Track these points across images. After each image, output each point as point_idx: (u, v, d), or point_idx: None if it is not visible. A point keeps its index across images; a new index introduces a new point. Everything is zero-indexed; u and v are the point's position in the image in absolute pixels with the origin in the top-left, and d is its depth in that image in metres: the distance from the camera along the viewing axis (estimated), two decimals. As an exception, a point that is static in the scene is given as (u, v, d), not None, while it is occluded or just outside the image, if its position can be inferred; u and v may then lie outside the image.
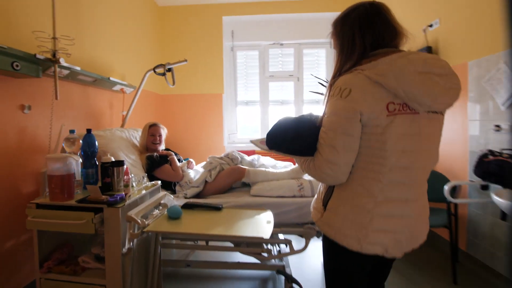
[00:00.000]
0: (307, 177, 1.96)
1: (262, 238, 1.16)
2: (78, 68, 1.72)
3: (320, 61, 3.78)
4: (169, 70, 2.10)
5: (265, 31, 3.60)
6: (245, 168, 1.89)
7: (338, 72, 0.87)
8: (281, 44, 3.69)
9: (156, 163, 1.92)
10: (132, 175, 1.40)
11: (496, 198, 1.35)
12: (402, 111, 0.76)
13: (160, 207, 1.43)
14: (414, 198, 0.81)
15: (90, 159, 1.35)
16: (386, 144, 0.76)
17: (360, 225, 0.79)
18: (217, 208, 1.44)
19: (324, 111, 0.85)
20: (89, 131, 1.36)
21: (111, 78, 2.14)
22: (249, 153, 3.71)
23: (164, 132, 2.17)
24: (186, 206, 1.46)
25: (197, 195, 1.86)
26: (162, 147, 2.15)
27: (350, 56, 0.84)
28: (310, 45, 3.72)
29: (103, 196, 1.17)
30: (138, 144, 2.11)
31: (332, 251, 0.90)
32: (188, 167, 2.13)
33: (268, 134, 0.96)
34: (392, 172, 0.77)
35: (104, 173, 1.35)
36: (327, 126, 0.81)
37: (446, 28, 2.15)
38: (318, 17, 3.55)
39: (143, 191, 1.35)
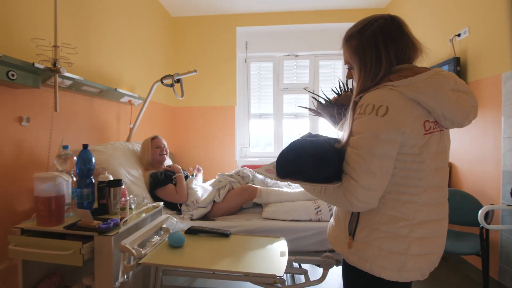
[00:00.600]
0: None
1: (274, 276, 0.98)
2: (81, 78, 1.63)
3: (336, 73, 3.62)
4: (178, 81, 1.99)
5: (280, 42, 3.49)
6: (257, 188, 1.72)
7: (362, 88, 0.78)
8: (296, 56, 3.57)
9: (159, 183, 1.76)
10: (131, 196, 1.25)
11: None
12: (436, 128, 0.75)
13: (162, 232, 1.27)
14: (445, 216, 0.79)
15: (86, 178, 1.22)
16: (423, 164, 0.73)
17: (398, 254, 0.74)
18: (224, 235, 1.26)
19: (350, 131, 0.76)
20: (85, 146, 1.23)
21: (118, 89, 2.06)
22: (262, 168, 3.55)
23: (165, 143, 2.05)
24: (190, 232, 1.29)
25: (204, 216, 1.69)
26: (168, 161, 2.00)
27: (376, 71, 0.77)
28: (326, 57, 3.58)
29: (95, 222, 1.02)
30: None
31: (363, 283, 0.81)
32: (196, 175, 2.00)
33: (280, 161, 0.83)
34: (427, 192, 0.74)
35: (100, 194, 1.22)
36: (362, 147, 0.71)
37: (476, 38, 1.96)
38: (334, 27, 3.42)
39: (143, 214, 1.20)
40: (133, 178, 1.65)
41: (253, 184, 1.83)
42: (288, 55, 3.56)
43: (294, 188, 1.84)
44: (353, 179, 0.72)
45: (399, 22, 0.77)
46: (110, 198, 1.18)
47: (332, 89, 1.03)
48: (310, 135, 0.91)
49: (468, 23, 2.02)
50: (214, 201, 1.71)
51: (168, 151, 2.00)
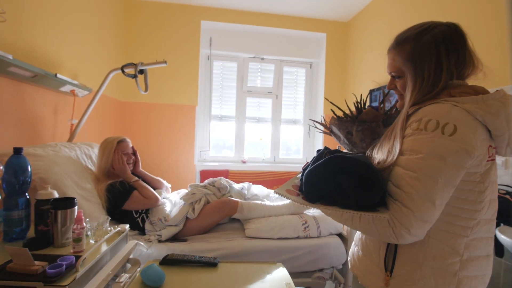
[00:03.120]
0: (309, 212, 1.65)
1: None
2: (8, 56, 1.20)
3: (299, 81, 3.63)
4: (142, 72, 1.66)
5: (246, 43, 3.34)
6: (237, 202, 1.52)
7: (417, 100, 0.69)
8: (262, 59, 3.46)
9: (124, 193, 1.43)
10: (87, 220, 0.93)
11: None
12: (495, 156, 0.67)
13: (129, 266, 0.97)
14: (492, 252, 0.71)
15: (17, 195, 0.86)
16: (483, 195, 0.64)
17: None
18: (211, 264, 1.04)
19: (400, 149, 0.65)
20: (18, 150, 0.87)
21: (59, 75, 1.62)
22: (222, 173, 3.31)
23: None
24: (167, 262, 1.02)
25: (174, 236, 1.41)
26: None
27: (434, 81, 0.67)
28: (291, 63, 3.56)
29: (36, 265, 0.70)
30: (93, 168, 1.57)
31: None
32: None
33: (309, 181, 0.67)
34: (480, 225, 0.66)
35: (40, 218, 0.87)
36: (422, 170, 0.60)
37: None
38: (301, 35, 3.43)
39: (104, 247, 0.89)
40: (83, 192, 1.27)
41: (230, 196, 1.62)
42: (254, 57, 3.43)
43: (274, 200, 1.69)
44: (407, 207, 0.60)
45: (462, 32, 0.69)
46: (56, 225, 0.85)
47: (354, 103, 0.92)
48: (329, 150, 0.77)
49: None
50: (187, 218, 1.45)
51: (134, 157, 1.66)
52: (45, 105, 1.70)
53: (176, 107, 3.05)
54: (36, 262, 0.71)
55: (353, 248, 0.85)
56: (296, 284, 1.30)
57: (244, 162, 3.40)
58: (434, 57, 0.66)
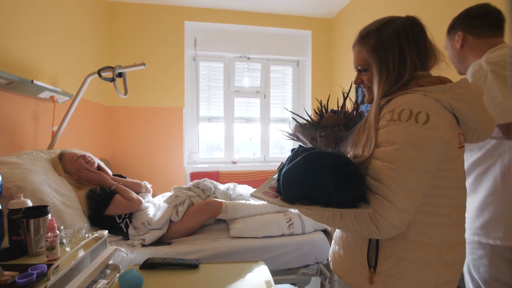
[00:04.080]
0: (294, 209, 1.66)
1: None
2: (-20, 64, 1.18)
3: (286, 79, 3.65)
4: (120, 75, 1.64)
5: (231, 42, 3.33)
6: (221, 202, 1.52)
7: (386, 91, 0.69)
8: (249, 58, 3.46)
9: (105, 198, 1.40)
10: (62, 228, 0.92)
11: None
12: (463, 143, 0.68)
13: (108, 271, 0.97)
14: (464, 237, 0.72)
15: (-12, 205, 0.85)
16: (457, 181, 0.66)
17: (429, 285, 0.66)
18: (192, 266, 1.03)
19: (378, 141, 0.65)
20: (-12, 160, 0.86)
21: (36, 82, 1.60)
22: (212, 174, 3.31)
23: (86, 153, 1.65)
24: (147, 266, 1.02)
25: (158, 239, 1.40)
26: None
27: (400, 72, 0.68)
28: (277, 62, 3.57)
29: (6, 275, 0.69)
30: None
31: None
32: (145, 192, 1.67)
33: (287, 181, 0.65)
34: (456, 212, 0.67)
35: (13, 227, 0.86)
36: (400, 161, 0.60)
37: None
38: (287, 33, 3.43)
39: (81, 252, 0.88)
40: (63, 198, 1.25)
41: (215, 197, 1.62)
42: (240, 56, 3.43)
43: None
44: (387, 200, 0.60)
45: (421, 24, 0.70)
46: (29, 234, 0.84)
47: (313, 110, 0.94)
48: (305, 148, 0.77)
49: None
50: (170, 221, 1.44)
51: (96, 161, 1.62)
52: (23, 112, 1.68)
53: (162, 110, 3.03)
54: (6, 273, 0.70)
55: (333, 247, 0.83)
56: (282, 281, 1.31)
57: (234, 162, 3.40)
58: (397, 48, 0.67)
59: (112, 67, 1.62)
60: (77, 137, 2.28)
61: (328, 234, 1.50)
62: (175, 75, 3.04)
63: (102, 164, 1.68)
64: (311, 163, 0.64)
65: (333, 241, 0.86)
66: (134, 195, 1.48)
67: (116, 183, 1.55)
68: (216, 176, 3.18)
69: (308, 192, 0.63)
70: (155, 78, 2.99)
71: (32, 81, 1.59)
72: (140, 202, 1.46)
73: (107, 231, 1.03)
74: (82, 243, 0.89)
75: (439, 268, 0.65)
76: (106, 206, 1.39)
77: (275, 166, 3.40)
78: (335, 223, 0.68)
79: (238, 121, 3.52)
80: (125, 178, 1.75)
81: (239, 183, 1.79)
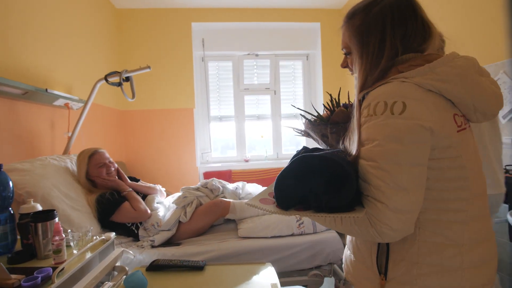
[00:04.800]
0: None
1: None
2: (-6, 76, 1.24)
3: (296, 74, 3.58)
4: (127, 79, 1.67)
5: (239, 40, 3.31)
6: (229, 202, 1.51)
7: (364, 82, 0.64)
8: (257, 55, 3.43)
9: (113, 204, 1.42)
10: (69, 231, 0.94)
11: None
12: (466, 124, 0.62)
13: (115, 273, 0.98)
14: (493, 231, 0.64)
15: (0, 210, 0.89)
16: (465, 170, 0.58)
17: None
18: (197, 268, 1.03)
19: (359, 140, 0.60)
20: (-3, 167, 0.89)
21: (49, 90, 1.66)
22: (225, 173, 3.32)
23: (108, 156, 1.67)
24: (153, 268, 1.03)
25: (168, 240, 1.42)
26: None
27: (378, 57, 0.62)
28: (286, 57, 3.52)
29: (13, 278, 0.71)
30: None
31: None
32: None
33: (279, 186, 0.62)
34: (474, 204, 0.59)
35: (23, 232, 0.89)
36: (382, 158, 0.55)
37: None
38: (294, 27, 3.37)
39: (88, 254, 0.90)
40: (72, 202, 1.30)
41: (224, 197, 1.61)
42: (248, 54, 3.40)
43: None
44: (379, 201, 0.55)
45: (414, 2, 0.63)
46: (37, 237, 0.87)
47: (323, 105, 0.90)
48: (307, 149, 0.74)
49: (435, 21, 2.08)
50: (179, 221, 1.45)
51: (115, 165, 1.65)
52: (40, 120, 1.75)
53: (174, 111, 3.07)
54: (13, 276, 0.72)
55: (346, 252, 0.78)
56: (292, 283, 1.29)
57: (246, 161, 3.40)
58: (379, 30, 0.62)
59: (118, 72, 1.66)
60: (92, 142, 2.36)
61: (341, 234, 1.45)
62: (185, 77, 3.07)
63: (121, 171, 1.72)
64: (301, 167, 0.61)
65: (346, 246, 0.81)
66: (142, 205, 1.48)
67: (130, 189, 1.56)
68: (228, 175, 3.19)
69: (300, 197, 0.60)
70: (165, 80, 3.03)
71: (46, 90, 1.65)
72: (146, 214, 1.46)
73: (114, 233, 1.05)
74: (88, 245, 0.91)
75: (463, 272, 0.57)
76: (113, 213, 1.41)
77: (288, 163, 3.36)
78: (337, 227, 0.64)
79: (249, 119, 3.51)
80: (138, 180, 1.79)
81: (252, 181, 1.78)
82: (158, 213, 1.50)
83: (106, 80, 1.63)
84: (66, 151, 1.78)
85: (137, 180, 1.81)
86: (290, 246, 1.33)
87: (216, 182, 1.63)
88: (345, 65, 0.74)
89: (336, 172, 0.57)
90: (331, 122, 0.86)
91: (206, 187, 1.62)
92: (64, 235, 0.86)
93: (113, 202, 1.44)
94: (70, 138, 1.79)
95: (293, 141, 3.68)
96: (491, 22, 1.66)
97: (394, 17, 0.62)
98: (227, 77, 3.44)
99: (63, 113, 1.96)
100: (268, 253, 1.30)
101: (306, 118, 0.92)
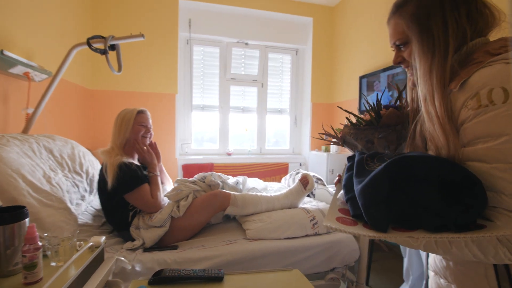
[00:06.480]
0: (312, 204, 1.49)
1: None
2: None
3: (284, 68, 3.46)
4: (113, 47, 1.38)
5: (228, 26, 3.08)
6: (229, 193, 1.32)
7: (442, 70, 0.54)
8: (247, 44, 3.23)
9: (135, 181, 1.24)
10: (46, 235, 0.68)
11: None
12: None
13: (107, 290, 0.74)
14: None
15: None
16: None
17: None
18: (215, 279, 0.83)
19: (468, 139, 0.50)
20: None
21: (6, 53, 1.30)
22: (206, 166, 3.07)
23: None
24: (158, 282, 0.80)
25: (161, 240, 1.18)
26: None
27: (444, 45, 0.54)
28: (276, 49, 3.37)
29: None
30: (55, 164, 1.27)
31: None
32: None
33: (369, 199, 0.50)
34: None
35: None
36: None
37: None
38: (287, 19, 3.24)
39: (71, 271, 0.65)
40: (43, 196, 0.97)
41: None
42: (238, 42, 3.19)
43: (270, 192, 1.50)
44: None
45: None
46: None
47: (369, 105, 0.78)
48: (366, 153, 0.61)
49: None
50: (171, 217, 1.22)
51: (152, 133, 1.49)
52: (-11, 89, 1.37)
53: (153, 95, 2.75)
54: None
55: (437, 281, 0.63)
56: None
57: (229, 154, 3.19)
58: (440, 10, 0.54)
59: (104, 37, 1.35)
60: (56, 123, 1.97)
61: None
62: (168, 58, 2.76)
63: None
64: (399, 173, 0.48)
65: (430, 272, 0.67)
66: (160, 196, 1.29)
67: (158, 173, 1.39)
68: (210, 168, 2.97)
69: (400, 212, 0.47)
70: (146, 60, 2.69)
71: (2, 51, 1.29)
72: (159, 207, 1.27)
73: (104, 237, 0.80)
74: (74, 256, 0.65)
75: None
76: (131, 189, 1.23)
77: (271, 159, 3.23)
78: (440, 250, 0.50)
79: (233, 111, 3.30)
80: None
81: (234, 175, 1.61)
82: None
83: (89, 45, 1.32)
84: (26, 130, 1.43)
85: None
86: (306, 248, 1.19)
87: (215, 177, 1.42)
88: (399, 60, 0.65)
89: (457, 175, 0.44)
90: (381, 124, 0.74)
91: (204, 181, 1.40)
92: (40, 243, 0.60)
93: (137, 177, 1.25)
94: (31, 116, 1.43)
95: (277, 136, 3.56)
96: None
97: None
98: (213, 64, 3.19)
99: (21, 84, 1.59)
100: (283, 256, 1.14)
101: (350, 121, 0.80)
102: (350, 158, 0.68)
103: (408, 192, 0.47)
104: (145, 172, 1.34)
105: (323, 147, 3.09)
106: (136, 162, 1.38)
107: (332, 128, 0.88)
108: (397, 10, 0.61)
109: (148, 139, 1.45)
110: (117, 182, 1.19)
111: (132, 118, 1.38)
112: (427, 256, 0.69)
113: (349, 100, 2.97)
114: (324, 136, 0.88)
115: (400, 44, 0.62)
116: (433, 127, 0.55)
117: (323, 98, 3.35)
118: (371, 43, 2.62)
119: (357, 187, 0.53)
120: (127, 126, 1.37)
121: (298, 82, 3.50)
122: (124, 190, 1.22)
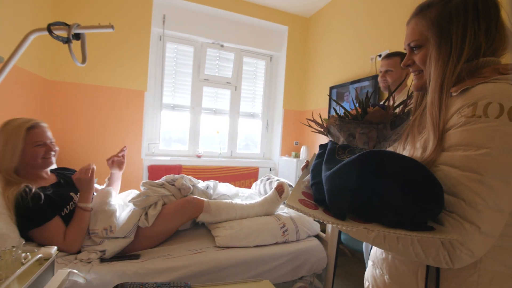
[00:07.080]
0: (283, 212, 1.49)
1: None
2: None
3: (258, 73, 3.48)
4: (78, 37, 1.26)
5: (204, 26, 3.02)
6: (203, 200, 1.27)
7: (446, 74, 0.56)
8: (222, 46, 3.19)
9: (41, 214, 0.98)
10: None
11: None
12: None
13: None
14: None
15: None
16: None
17: None
18: (182, 291, 0.78)
19: (450, 143, 0.52)
20: None
21: None
22: (174, 168, 2.95)
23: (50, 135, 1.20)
24: (118, 295, 0.73)
25: (123, 250, 1.09)
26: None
27: (460, 51, 0.55)
28: (251, 54, 3.38)
29: None
30: None
31: None
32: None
33: (335, 188, 0.51)
34: None
35: None
36: (490, 171, 0.47)
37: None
38: (263, 25, 3.27)
39: (14, 286, 0.56)
40: None
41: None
42: (213, 43, 3.14)
43: (245, 199, 1.48)
44: (469, 222, 0.47)
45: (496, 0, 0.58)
46: None
47: (355, 101, 0.80)
48: (334, 144, 0.62)
49: (388, 46, 2.21)
50: (138, 226, 1.14)
51: (57, 149, 1.19)
52: None
53: (121, 91, 2.59)
54: None
55: (373, 270, 0.68)
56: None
57: (199, 156, 3.11)
58: (462, 18, 0.55)
59: (68, 25, 1.23)
60: (5, 115, 1.76)
61: (321, 240, 1.36)
62: (138, 53, 2.62)
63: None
64: (370, 165, 0.48)
65: (369, 262, 0.71)
66: (81, 237, 1.05)
67: (90, 207, 1.10)
68: (178, 170, 2.86)
69: (362, 204, 0.48)
70: (114, 53, 2.53)
71: None
72: (74, 249, 1.04)
73: (55, 248, 0.71)
74: (18, 271, 0.57)
75: None
76: (36, 225, 0.97)
77: (242, 163, 3.20)
78: (389, 245, 0.53)
79: (205, 112, 3.23)
80: (71, 171, 1.37)
81: (204, 179, 1.55)
82: (113, 215, 1.14)
83: (50, 32, 1.18)
84: (-35, 122, 1.24)
85: (70, 171, 1.39)
86: (276, 256, 1.18)
87: (186, 180, 1.35)
88: (409, 62, 0.65)
89: (421, 175, 0.46)
90: (365, 121, 0.76)
91: (173, 185, 1.33)
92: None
93: (39, 209, 0.98)
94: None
95: (248, 139, 3.54)
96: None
97: (479, 10, 0.55)
98: (186, 63, 3.10)
99: (-37, 68, 1.38)
100: (253, 265, 1.12)
101: (336, 113, 0.81)
102: (322, 146, 0.69)
103: (373, 185, 0.48)
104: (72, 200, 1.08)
105: (293, 153, 3.14)
106: (43, 184, 1.10)
107: (320, 117, 0.88)
108: (420, 11, 0.62)
109: (53, 157, 1.16)
110: (19, 218, 0.94)
111: (20, 140, 1.05)
112: (371, 248, 0.72)
113: (319, 109, 3.06)
114: (312, 123, 0.87)
115: (415, 46, 0.62)
116: (433, 128, 0.56)
117: (294, 105, 3.42)
118: (341, 56, 2.74)
119: (325, 173, 0.53)
120: (14, 150, 1.04)
121: (271, 87, 3.54)
122: (27, 226, 0.96)
